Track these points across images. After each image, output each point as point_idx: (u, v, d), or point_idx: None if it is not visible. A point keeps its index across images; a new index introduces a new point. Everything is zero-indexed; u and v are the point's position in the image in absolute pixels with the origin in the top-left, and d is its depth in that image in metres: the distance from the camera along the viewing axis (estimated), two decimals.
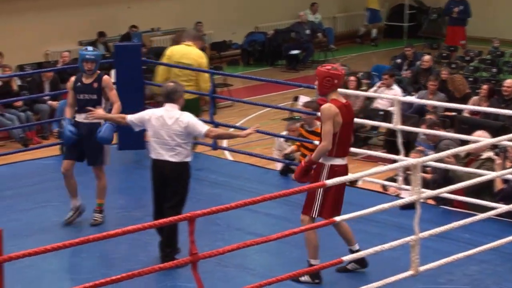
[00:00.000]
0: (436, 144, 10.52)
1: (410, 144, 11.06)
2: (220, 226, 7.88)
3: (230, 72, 17.61)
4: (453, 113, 12.89)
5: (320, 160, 6.58)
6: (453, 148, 8.24)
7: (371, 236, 7.44)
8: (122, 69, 10.42)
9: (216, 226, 7.83)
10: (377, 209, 6.10)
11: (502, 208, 7.37)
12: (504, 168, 8.10)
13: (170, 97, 7.02)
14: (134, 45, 11.64)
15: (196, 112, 8.78)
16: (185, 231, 5.41)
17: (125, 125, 7.39)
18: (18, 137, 14.38)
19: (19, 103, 14.68)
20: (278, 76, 19.09)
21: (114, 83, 10.12)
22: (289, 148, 10.21)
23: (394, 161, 8.89)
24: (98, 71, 8.08)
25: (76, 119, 8.02)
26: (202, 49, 10.69)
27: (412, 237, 6.17)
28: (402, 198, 7.91)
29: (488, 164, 8.37)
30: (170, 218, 5.42)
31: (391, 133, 11.45)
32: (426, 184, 8.19)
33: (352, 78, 14.27)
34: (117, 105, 7.98)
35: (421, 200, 6.25)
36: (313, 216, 6.61)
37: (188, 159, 7.00)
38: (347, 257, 6.39)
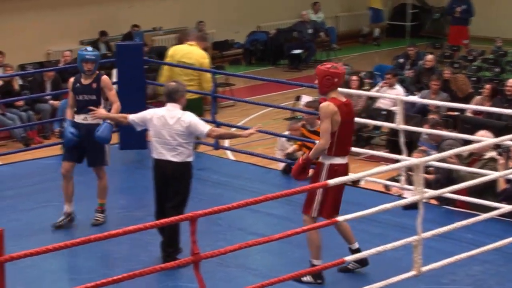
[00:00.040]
0: (438, 144, 10.48)
1: (413, 144, 11.03)
2: (222, 226, 7.86)
3: (232, 72, 17.56)
4: (456, 113, 12.86)
5: (320, 159, 6.55)
6: (456, 148, 8.21)
7: (373, 236, 7.43)
8: (124, 69, 10.41)
9: (218, 226, 7.82)
10: (380, 209, 6.08)
11: (505, 208, 7.35)
12: (507, 168, 8.08)
13: (171, 96, 6.99)
14: (136, 44, 11.61)
15: (199, 112, 8.76)
16: (187, 231, 5.40)
17: (126, 125, 7.38)
18: (19, 137, 14.35)
19: (21, 103, 14.65)
20: (280, 75, 19.07)
21: (116, 83, 10.16)
22: (291, 147, 10.19)
23: (397, 161, 8.87)
24: (97, 71, 8.04)
25: (75, 120, 7.99)
26: (205, 49, 10.67)
27: (415, 237, 6.15)
28: (405, 198, 7.91)
29: (491, 164, 8.35)
30: (172, 218, 5.42)
31: (394, 132, 11.41)
32: (429, 184, 8.18)
33: (354, 77, 14.24)
34: (116, 105, 7.94)
35: (424, 200, 6.24)
36: (313, 215, 6.59)
37: (190, 159, 6.98)
38: (349, 257, 6.38)
